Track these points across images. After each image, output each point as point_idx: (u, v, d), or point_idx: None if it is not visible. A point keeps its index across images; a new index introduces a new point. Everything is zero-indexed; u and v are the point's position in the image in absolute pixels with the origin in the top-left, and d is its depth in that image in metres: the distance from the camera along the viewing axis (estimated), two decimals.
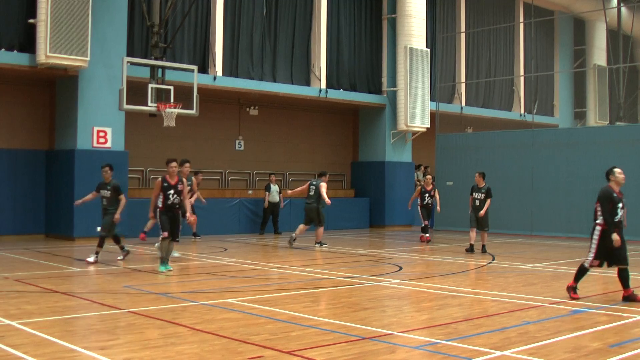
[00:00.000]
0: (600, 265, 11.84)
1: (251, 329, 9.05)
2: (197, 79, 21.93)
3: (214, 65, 24.31)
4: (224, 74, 24.66)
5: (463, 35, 33.19)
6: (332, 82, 27.83)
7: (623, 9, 36.06)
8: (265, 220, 25.47)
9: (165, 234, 14.48)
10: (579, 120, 38.69)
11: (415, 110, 28.51)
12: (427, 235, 23.20)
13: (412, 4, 28.31)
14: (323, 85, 27.15)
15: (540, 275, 14.93)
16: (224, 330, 8.91)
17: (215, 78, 24.14)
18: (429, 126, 29.22)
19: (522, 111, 35.39)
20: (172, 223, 14.60)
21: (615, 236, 11.46)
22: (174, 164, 14.68)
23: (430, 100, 29.45)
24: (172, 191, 14.51)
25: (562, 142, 26.27)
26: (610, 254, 11.68)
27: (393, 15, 29.00)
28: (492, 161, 26.81)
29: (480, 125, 34.91)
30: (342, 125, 30.81)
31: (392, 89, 29.08)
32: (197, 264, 16.67)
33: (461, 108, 32.70)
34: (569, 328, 9.45)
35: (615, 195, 11.77)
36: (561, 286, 12.95)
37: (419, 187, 23.65)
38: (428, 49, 29.16)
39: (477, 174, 19.90)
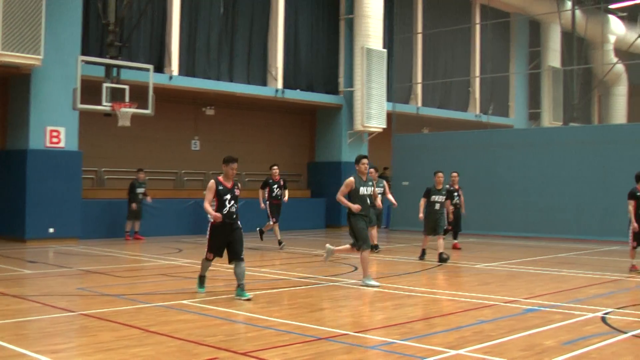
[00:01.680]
0: None
1: (207, 330, 8.98)
2: (152, 79, 21.75)
3: (170, 65, 24.12)
4: (180, 73, 24.47)
5: (420, 36, 33.33)
6: (290, 82, 27.77)
7: (577, 12, 36.45)
8: None
9: (210, 255, 11.75)
10: (533, 121, 39.05)
11: (372, 111, 28.55)
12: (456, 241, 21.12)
13: (370, 5, 28.35)
14: (280, 85, 27.09)
15: (495, 275, 15.03)
16: (179, 332, 8.82)
17: (171, 77, 23.95)
18: (385, 126, 29.29)
19: (478, 112, 35.64)
20: (226, 240, 11.59)
21: None
22: (234, 165, 11.76)
23: (387, 100, 29.53)
24: (228, 196, 11.56)
25: (517, 143, 26.52)
26: None
27: (350, 16, 29.02)
28: (449, 161, 26.92)
29: (437, 126, 35.09)
30: (299, 126, 30.78)
31: (349, 89, 29.11)
32: (152, 265, 16.51)
33: (417, 108, 32.84)
34: (523, 326, 9.51)
35: None
36: (516, 285, 13.06)
37: (447, 186, 20.60)
38: (385, 50, 29.22)
39: (440, 174, 17.51)
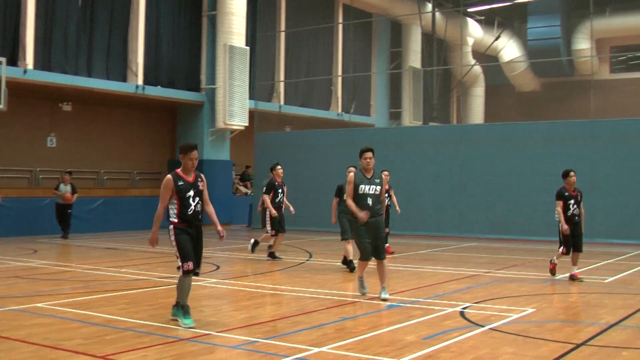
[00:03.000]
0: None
1: (63, 334, 8.67)
2: (5, 72, 20.92)
3: (25, 58, 23.21)
4: (35, 67, 23.58)
5: (283, 35, 33.38)
6: (150, 79, 27.24)
7: (437, 14, 37.34)
8: (58, 221, 23.44)
9: (189, 265, 9.38)
10: (394, 120, 39.76)
11: (234, 109, 28.38)
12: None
13: (233, 2, 28.15)
14: (140, 81, 26.53)
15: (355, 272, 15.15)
16: (34, 336, 8.47)
17: (25, 71, 23.05)
18: (247, 124, 29.19)
19: (340, 111, 35.99)
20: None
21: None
22: (194, 153, 9.58)
23: (250, 98, 29.43)
24: (192, 192, 9.55)
25: (379, 141, 26.88)
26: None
27: (213, 12, 28.75)
28: (311, 160, 27.11)
29: (299, 124, 35.25)
30: (160, 123, 30.27)
31: (211, 86, 28.84)
32: (4, 267, 15.84)
33: (280, 107, 32.87)
34: (385, 323, 9.64)
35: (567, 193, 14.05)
36: (377, 282, 13.19)
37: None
38: (248, 47, 29.11)
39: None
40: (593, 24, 32.68)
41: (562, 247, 14.16)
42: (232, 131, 29.24)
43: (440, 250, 20.21)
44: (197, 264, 9.52)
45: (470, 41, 42.25)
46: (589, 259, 17.79)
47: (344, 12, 36.41)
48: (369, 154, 11.80)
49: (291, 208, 17.86)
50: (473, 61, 41.77)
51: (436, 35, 36.91)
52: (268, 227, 17.14)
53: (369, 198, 11.53)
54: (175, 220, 9.52)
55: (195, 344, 8.23)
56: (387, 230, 18.56)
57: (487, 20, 43.46)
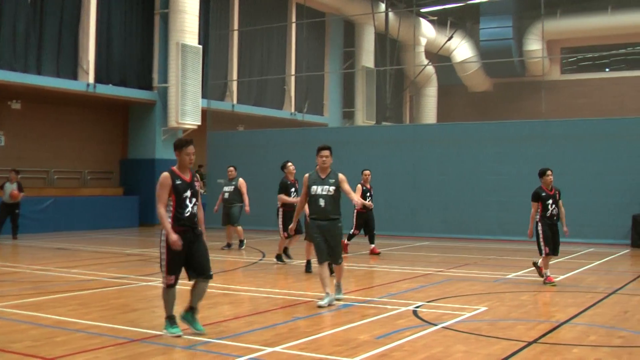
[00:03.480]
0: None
1: (12, 336, 8.52)
2: None
3: None
4: None
5: (236, 34, 33.24)
6: (102, 77, 26.91)
7: (390, 14, 37.49)
8: (1, 221, 22.72)
9: (171, 279, 8.79)
10: (347, 119, 39.83)
11: (187, 107, 28.19)
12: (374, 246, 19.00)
13: (185, 0, 27.92)
14: (92, 79, 26.19)
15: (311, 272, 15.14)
16: None
17: None
18: (200, 123, 29.02)
19: (293, 110, 35.95)
20: (188, 253, 8.81)
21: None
22: (191, 148, 8.96)
23: (202, 97, 29.26)
24: (188, 192, 8.86)
25: (332, 141, 26.77)
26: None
27: (165, 10, 28.52)
28: (264, 160, 27.02)
29: (252, 124, 35.14)
30: (111, 122, 29.92)
31: (163, 85, 28.61)
32: None
33: (233, 106, 32.73)
34: (338, 322, 9.63)
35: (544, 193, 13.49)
36: (331, 281, 13.17)
37: (359, 185, 18.78)
38: (200, 46, 28.94)
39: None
40: (544, 25, 33.05)
41: (544, 249, 13.41)
42: (185, 130, 29.04)
43: (393, 250, 20.28)
44: (204, 270, 8.77)
45: (423, 41, 42.49)
46: (540, 258, 17.97)
47: (297, 12, 36.37)
48: (326, 152, 11.11)
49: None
50: (426, 61, 42.01)
51: (389, 35, 37.06)
52: (281, 230, 16.34)
53: (321, 199, 10.94)
54: (170, 224, 8.64)
55: (148, 345, 8.16)
56: (357, 232, 18.70)
57: (440, 21, 43.75)
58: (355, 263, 16.71)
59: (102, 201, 27.56)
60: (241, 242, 19.89)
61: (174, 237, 8.43)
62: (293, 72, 36.32)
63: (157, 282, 13.21)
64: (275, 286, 12.83)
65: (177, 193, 8.69)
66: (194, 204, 8.83)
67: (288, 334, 8.78)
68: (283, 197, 16.18)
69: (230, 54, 33.25)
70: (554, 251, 13.48)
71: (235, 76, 33.28)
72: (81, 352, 7.71)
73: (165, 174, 8.80)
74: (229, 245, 19.75)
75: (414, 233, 23.85)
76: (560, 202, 13.70)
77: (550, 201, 13.48)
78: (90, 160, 28.73)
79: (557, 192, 13.72)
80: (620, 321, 9.91)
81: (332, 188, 10.96)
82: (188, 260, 8.74)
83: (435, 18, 43.15)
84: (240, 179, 19.87)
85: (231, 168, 20.12)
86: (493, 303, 11.20)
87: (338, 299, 11.09)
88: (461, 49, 44.49)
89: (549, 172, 13.86)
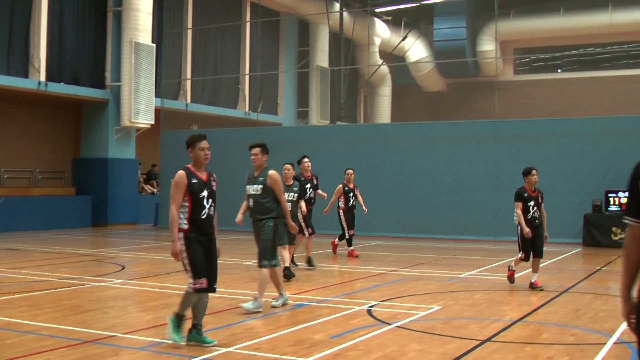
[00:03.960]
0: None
1: None
2: None
3: None
4: None
5: (190, 32, 33.04)
6: (53, 75, 26.54)
7: (345, 14, 37.54)
8: None
9: (202, 282, 8.14)
10: (301, 119, 39.82)
11: (140, 106, 27.96)
12: (352, 248, 18.50)
13: None
14: (43, 77, 25.83)
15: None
16: None
17: None
18: (153, 122, 28.80)
19: (247, 109, 35.84)
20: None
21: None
22: (205, 142, 8.39)
23: (156, 96, 29.04)
24: (205, 193, 8.23)
25: (286, 140, 26.89)
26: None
27: (119, 8, 28.23)
28: (217, 159, 26.82)
29: (206, 123, 34.94)
30: (63, 121, 29.56)
31: (116, 83, 28.33)
32: None
33: (186, 105, 32.53)
34: (293, 322, 9.62)
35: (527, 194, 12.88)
36: (285, 281, 13.14)
37: (341, 185, 18.25)
38: (154, 44, 28.72)
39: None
40: (497, 26, 33.33)
41: (520, 253, 12.92)
42: (138, 129, 28.81)
43: (347, 249, 20.30)
44: (213, 279, 8.24)
45: (377, 41, 42.61)
46: (494, 257, 18.15)
47: (251, 11, 36.25)
48: (255, 150, 11.02)
49: (323, 193, 16.88)
50: (380, 61, 42.14)
51: (344, 34, 37.12)
52: (304, 229, 15.33)
53: (250, 199, 10.86)
54: (186, 227, 8.05)
55: (100, 347, 8.06)
56: (351, 232, 18.24)
57: (394, 21, 43.90)
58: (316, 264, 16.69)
59: (54, 201, 27.21)
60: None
61: (177, 247, 7.98)
62: (247, 71, 36.21)
63: (110, 283, 13.10)
64: (230, 286, 12.76)
65: (192, 193, 8.05)
66: (211, 205, 8.22)
67: (242, 334, 8.74)
68: (302, 204, 15.27)
69: (184, 52, 33.05)
70: (534, 254, 12.92)
71: (189, 75, 33.09)
72: (32, 355, 7.60)
73: (181, 172, 8.15)
74: None
75: (368, 232, 23.87)
76: (543, 205, 13.09)
77: (531, 203, 12.85)
78: (42, 159, 28.35)
79: (540, 194, 13.08)
80: (572, 319, 10.02)
81: (259, 187, 10.79)
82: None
83: (390, 18, 43.29)
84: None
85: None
86: (447, 302, 11.27)
87: (251, 310, 10.20)
88: (415, 49, 44.69)
89: (534, 172, 13.11)
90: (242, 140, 27.63)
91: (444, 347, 8.14)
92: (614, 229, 20.88)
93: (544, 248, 13.22)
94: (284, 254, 12.92)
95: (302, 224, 15.23)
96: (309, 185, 15.93)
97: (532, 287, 12.82)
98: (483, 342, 8.42)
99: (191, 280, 8.08)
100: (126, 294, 12.22)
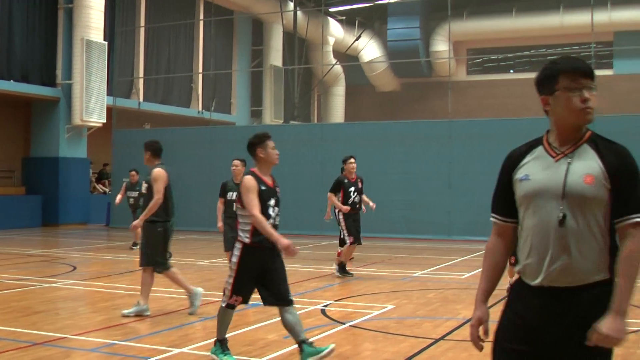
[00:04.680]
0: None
1: None
2: None
3: None
4: None
5: (142, 30, 32.77)
6: (3, 73, 26.13)
7: (299, 13, 37.50)
8: None
9: (237, 299, 7.44)
10: (255, 118, 39.71)
11: (92, 105, 27.65)
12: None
13: None
14: None
15: (218, 271, 15.04)
16: None
17: None
18: (105, 121, 28.51)
19: (201, 108, 35.65)
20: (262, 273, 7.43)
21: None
22: (271, 141, 7.95)
23: (108, 94, 28.74)
24: (272, 201, 7.47)
25: (239, 140, 26.70)
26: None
27: (70, 5, 27.88)
28: (170, 158, 26.64)
29: (159, 122, 34.68)
30: (13, 119, 29.11)
31: (67, 82, 27.98)
32: None
33: (139, 103, 32.26)
34: (246, 322, 9.57)
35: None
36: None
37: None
38: (106, 42, 28.42)
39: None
40: (451, 26, 33.48)
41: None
42: (89, 128, 28.50)
43: (301, 248, 20.26)
44: (283, 294, 7.35)
45: (331, 41, 42.64)
46: (447, 256, 18.27)
47: (205, 9, 36.06)
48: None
49: (371, 204, 14.91)
50: (334, 61, 42.15)
51: (297, 34, 37.08)
52: (345, 236, 13.82)
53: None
54: (248, 240, 7.26)
55: (51, 348, 7.94)
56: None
57: (348, 21, 43.97)
58: None
59: (3, 200, 26.79)
60: (135, 243, 19.33)
61: (286, 240, 7.06)
62: (200, 70, 36.03)
63: (61, 284, 12.94)
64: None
65: (261, 201, 7.25)
66: (277, 215, 7.43)
67: (195, 335, 8.72)
68: (332, 197, 13.83)
69: (136, 50, 32.77)
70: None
71: (141, 73, 32.82)
72: None
73: (250, 177, 7.39)
74: (135, 245, 19.40)
75: (321, 232, 23.88)
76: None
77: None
78: None
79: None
80: None
81: (144, 186, 10.56)
82: (262, 281, 7.33)
83: (344, 18, 43.38)
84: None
85: (133, 172, 19.56)
86: (400, 301, 11.30)
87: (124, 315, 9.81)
88: (369, 49, 44.80)
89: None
90: (195, 139, 27.53)
91: (397, 346, 8.16)
92: None
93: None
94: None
95: (345, 231, 14.09)
96: (352, 189, 13.98)
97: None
98: (436, 340, 8.45)
99: (227, 294, 7.35)
100: (77, 295, 12.08)
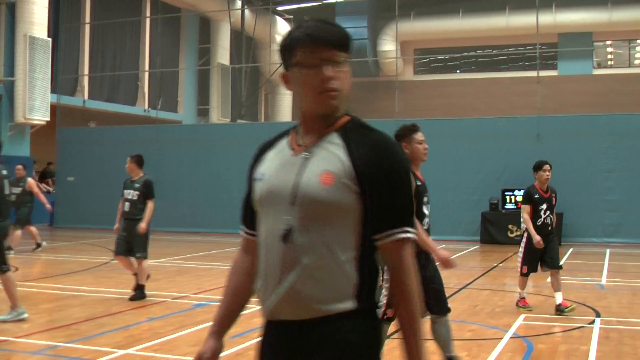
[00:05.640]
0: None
1: None
2: None
3: None
4: None
5: (88, 27, 32.35)
6: None
7: (246, 12, 37.40)
8: None
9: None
10: (202, 117, 39.50)
11: (35, 102, 27.20)
12: None
13: None
14: None
15: (163, 271, 14.89)
16: None
17: None
18: (49, 119, 28.09)
19: (147, 107, 35.33)
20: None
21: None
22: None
23: (52, 92, 28.32)
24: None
25: (186, 138, 26.65)
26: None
27: (12, 0, 27.41)
28: (116, 157, 26.42)
29: (104, 120, 34.28)
30: None
31: (9, 79, 27.48)
32: None
33: (84, 101, 31.84)
34: (193, 322, 9.49)
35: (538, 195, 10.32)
36: (185, 281, 12.98)
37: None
38: (50, 39, 27.98)
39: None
40: (398, 26, 33.66)
41: (521, 268, 10.51)
42: (33, 126, 28.04)
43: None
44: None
45: (279, 39, 42.50)
46: None
47: (151, 7, 35.75)
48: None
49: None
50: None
51: (245, 32, 36.96)
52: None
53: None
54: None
55: None
56: None
57: (296, 19, 43.88)
58: (210, 262, 16.54)
59: None
60: (38, 245, 18.85)
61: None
62: (147, 67, 35.70)
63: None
64: (128, 287, 12.50)
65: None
66: (430, 213, 7.01)
67: (141, 335, 8.60)
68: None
69: (81, 47, 32.34)
70: (543, 268, 10.44)
71: (86, 71, 32.40)
72: None
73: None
74: (39, 246, 18.88)
75: None
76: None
77: (544, 206, 10.31)
78: None
79: (553, 194, 10.47)
80: (470, 315, 10.17)
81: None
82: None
83: (291, 17, 43.31)
84: (29, 179, 18.79)
85: (19, 166, 18.88)
86: None
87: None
88: None
89: (546, 167, 10.34)
90: (141, 137, 27.26)
91: None
92: (510, 226, 21.40)
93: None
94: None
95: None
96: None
97: (560, 310, 10.17)
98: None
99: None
100: (20, 296, 11.84)
